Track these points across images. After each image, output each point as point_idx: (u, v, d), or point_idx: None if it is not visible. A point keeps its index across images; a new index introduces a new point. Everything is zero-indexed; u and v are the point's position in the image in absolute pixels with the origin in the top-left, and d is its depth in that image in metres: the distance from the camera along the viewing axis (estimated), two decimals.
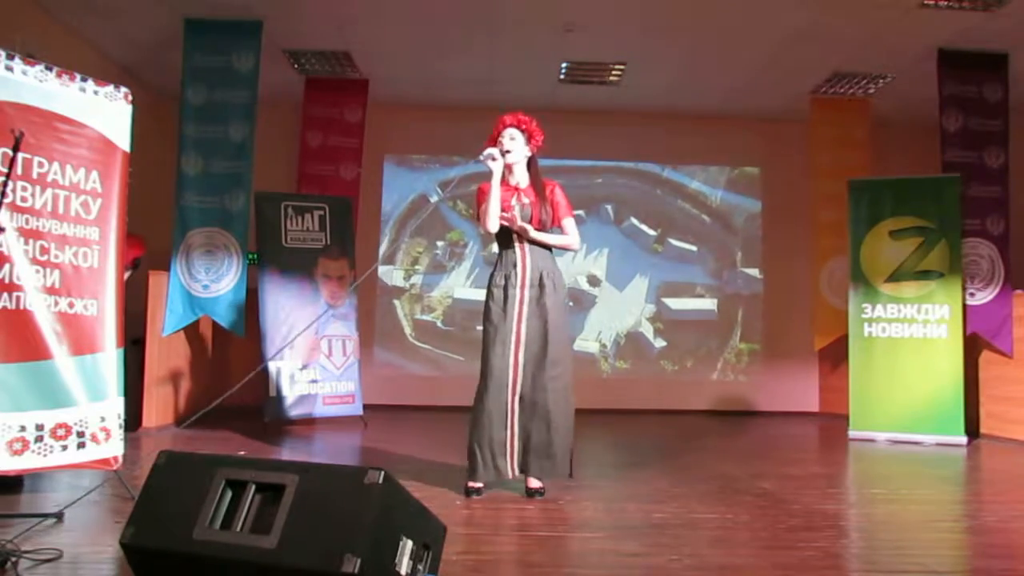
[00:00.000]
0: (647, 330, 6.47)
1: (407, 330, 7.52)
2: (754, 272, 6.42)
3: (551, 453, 3.54)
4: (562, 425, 3.56)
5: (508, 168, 3.67)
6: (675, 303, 6.45)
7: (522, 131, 3.70)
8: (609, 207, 6.48)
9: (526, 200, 3.65)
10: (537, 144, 3.73)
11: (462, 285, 6.80)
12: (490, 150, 3.59)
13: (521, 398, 3.55)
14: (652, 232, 6.50)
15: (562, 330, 3.62)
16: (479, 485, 3.56)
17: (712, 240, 6.48)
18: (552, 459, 3.55)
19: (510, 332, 3.57)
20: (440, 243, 7.37)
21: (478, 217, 3.68)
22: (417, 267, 7.59)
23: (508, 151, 3.62)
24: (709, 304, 6.46)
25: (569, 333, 3.73)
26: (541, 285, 3.60)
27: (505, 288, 3.60)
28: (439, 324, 7.21)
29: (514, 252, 3.65)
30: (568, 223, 3.74)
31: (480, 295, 6.95)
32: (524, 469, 3.57)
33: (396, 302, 7.58)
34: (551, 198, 3.70)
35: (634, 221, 6.49)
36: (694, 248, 6.50)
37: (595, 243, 6.55)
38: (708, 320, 6.48)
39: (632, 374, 7.51)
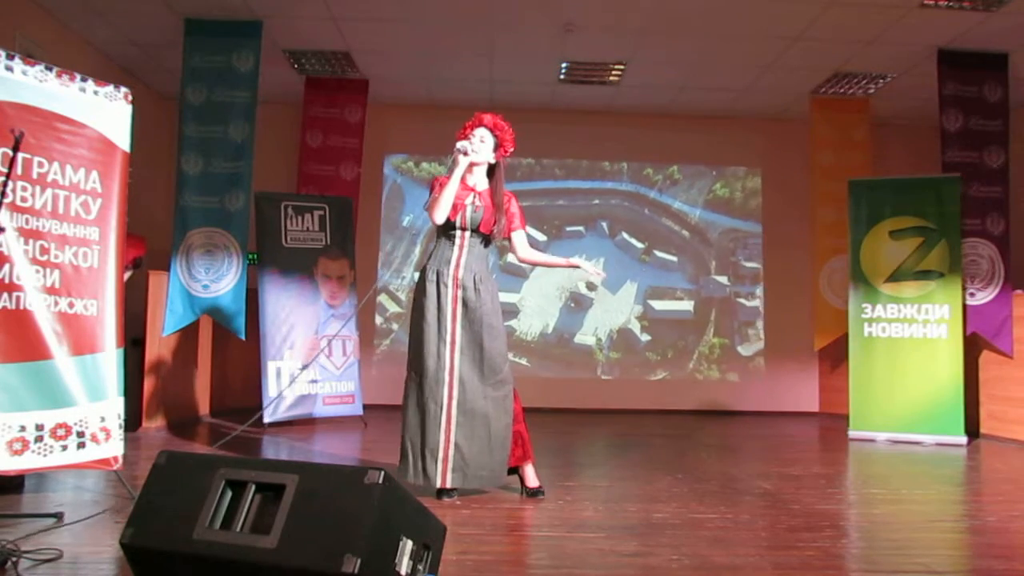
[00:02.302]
0: (635, 327, 7.45)
1: None
2: (723, 279, 7.48)
3: (488, 463, 3.46)
4: (500, 435, 3.48)
5: (469, 167, 3.57)
6: (658, 304, 7.48)
7: (494, 135, 3.61)
8: (604, 224, 7.47)
9: (479, 204, 3.57)
10: (505, 152, 3.65)
11: None
12: (464, 143, 3.53)
13: (458, 404, 3.44)
14: (640, 245, 7.51)
15: (498, 336, 3.53)
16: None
17: (690, 252, 7.53)
18: (489, 469, 3.46)
19: (445, 331, 3.48)
20: None
21: (428, 205, 3.55)
22: None
23: (474, 151, 3.54)
24: (687, 305, 7.47)
25: (505, 340, 3.60)
26: (475, 288, 3.51)
27: (437, 283, 3.52)
28: None
29: (451, 249, 3.56)
30: (520, 235, 3.71)
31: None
32: (460, 482, 3.43)
33: None
34: (507, 209, 3.63)
35: (625, 235, 7.49)
36: (675, 259, 7.55)
37: (592, 254, 7.45)
38: (686, 319, 7.48)
39: (628, 373, 7.71)
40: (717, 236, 7.60)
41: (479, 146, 3.57)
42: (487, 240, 3.63)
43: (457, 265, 3.54)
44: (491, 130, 3.61)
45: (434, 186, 3.60)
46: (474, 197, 3.59)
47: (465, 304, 3.51)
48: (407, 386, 3.54)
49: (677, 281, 7.52)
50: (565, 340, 7.61)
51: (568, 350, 7.59)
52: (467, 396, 3.45)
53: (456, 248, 3.56)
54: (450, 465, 3.42)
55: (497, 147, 3.63)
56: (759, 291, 7.81)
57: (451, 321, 3.49)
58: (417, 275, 3.75)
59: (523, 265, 7.42)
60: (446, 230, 3.59)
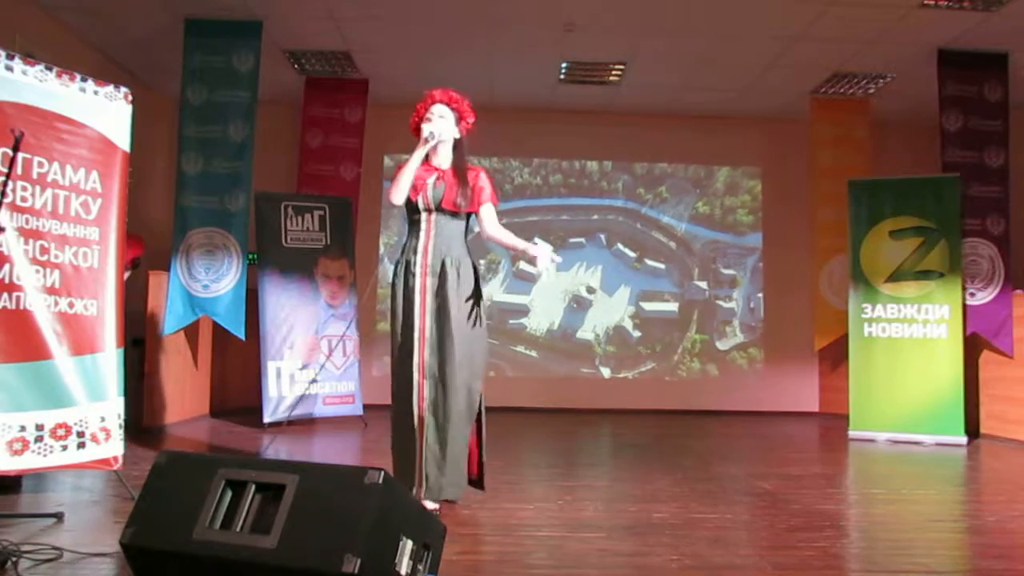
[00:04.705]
0: (628, 325, 8.26)
1: None
2: (703, 284, 8.33)
3: (443, 467, 3.20)
4: (457, 437, 3.21)
5: (434, 148, 3.35)
6: (648, 305, 8.33)
7: (452, 109, 3.38)
8: (602, 236, 8.32)
9: (441, 181, 3.33)
10: (467, 126, 3.46)
11: (497, 291, 8.13)
12: (429, 128, 3.28)
13: (430, 406, 3.22)
14: (633, 254, 8.34)
15: (466, 328, 3.23)
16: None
17: (676, 261, 8.37)
18: (443, 473, 3.20)
19: (412, 328, 3.23)
20: (482, 261, 8.42)
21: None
22: None
23: (440, 132, 3.31)
24: (673, 307, 8.31)
25: (477, 332, 3.29)
26: (443, 274, 3.24)
27: (405, 276, 3.29)
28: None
29: (417, 235, 3.31)
30: (486, 210, 3.38)
31: (509, 298, 8.06)
32: (434, 496, 3.19)
33: None
34: (474, 183, 3.35)
35: (620, 246, 8.34)
36: (663, 266, 8.36)
37: (592, 262, 8.40)
38: (672, 318, 8.27)
39: (623, 364, 8.04)
40: (699, 247, 8.36)
41: (439, 123, 3.35)
42: (459, 219, 3.37)
43: (425, 252, 3.27)
44: (447, 104, 3.41)
45: (397, 172, 3.39)
46: (436, 176, 3.36)
47: (433, 292, 3.25)
48: (392, 394, 3.38)
49: (665, 286, 8.31)
50: (568, 335, 8.17)
51: (571, 344, 8.18)
52: (437, 397, 3.23)
53: (423, 233, 3.31)
54: (425, 482, 3.20)
55: (459, 120, 3.44)
56: (735, 294, 8.26)
57: (420, 316, 3.24)
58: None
59: (531, 271, 8.01)
60: (412, 216, 3.37)
